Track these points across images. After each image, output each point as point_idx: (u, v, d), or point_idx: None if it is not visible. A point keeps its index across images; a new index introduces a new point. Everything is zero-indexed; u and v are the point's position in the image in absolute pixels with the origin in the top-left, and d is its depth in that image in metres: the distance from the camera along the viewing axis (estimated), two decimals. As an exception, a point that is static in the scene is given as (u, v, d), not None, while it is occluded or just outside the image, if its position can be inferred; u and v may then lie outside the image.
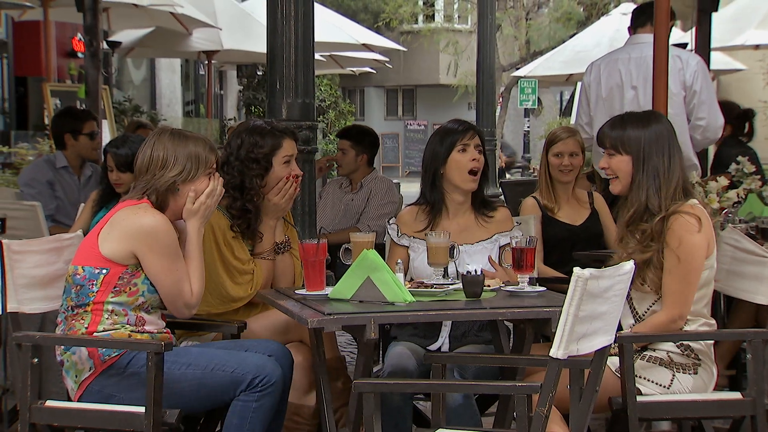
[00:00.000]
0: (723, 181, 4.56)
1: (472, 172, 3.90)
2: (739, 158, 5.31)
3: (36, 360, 3.28)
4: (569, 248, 4.87)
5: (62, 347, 3.33)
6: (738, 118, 7.03)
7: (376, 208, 6.15)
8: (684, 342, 3.49)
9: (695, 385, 3.50)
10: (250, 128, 3.84)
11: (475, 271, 3.30)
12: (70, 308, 3.33)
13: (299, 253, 3.43)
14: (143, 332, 3.33)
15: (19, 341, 3.28)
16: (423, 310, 3.19)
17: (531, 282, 3.46)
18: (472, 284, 3.29)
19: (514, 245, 3.42)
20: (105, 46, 10.35)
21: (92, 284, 3.28)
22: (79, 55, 10.17)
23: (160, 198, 3.34)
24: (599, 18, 15.91)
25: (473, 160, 3.89)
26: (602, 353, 2.97)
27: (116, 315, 3.29)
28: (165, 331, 3.43)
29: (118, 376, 3.28)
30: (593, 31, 12.80)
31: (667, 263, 3.44)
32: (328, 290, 3.35)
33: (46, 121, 9.54)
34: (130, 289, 3.29)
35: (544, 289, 3.43)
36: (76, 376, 3.31)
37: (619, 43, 6.26)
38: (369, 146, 6.33)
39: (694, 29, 7.66)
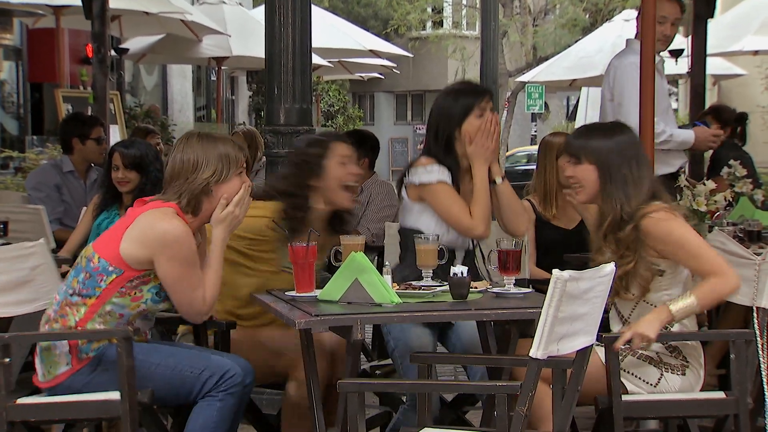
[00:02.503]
0: (710, 184, 4.55)
1: None
2: (731, 162, 5.29)
3: (8, 360, 3.26)
4: (562, 251, 4.86)
5: (47, 327, 3.31)
6: (736, 121, 7.01)
7: (375, 212, 6.15)
8: (671, 344, 3.49)
9: (682, 385, 3.49)
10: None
11: (462, 273, 3.29)
12: (72, 292, 3.30)
13: (289, 255, 3.43)
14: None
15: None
16: (409, 311, 3.20)
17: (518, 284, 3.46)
18: (459, 286, 3.29)
19: (501, 248, 3.41)
20: (113, 53, 10.38)
21: (102, 279, 3.27)
22: (92, 61, 10.22)
23: (194, 201, 3.30)
24: (604, 24, 15.89)
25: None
26: (584, 353, 2.97)
27: (110, 316, 3.28)
28: (144, 334, 3.45)
29: (90, 372, 3.28)
30: (596, 37, 12.79)
31: (678, 259, 3.40)
32: (318, 292, 3.35)
33: (60, 127, 9.58)
34: (134, 294, 3.28)
35: (530, 290, 3.43)
36: (50, 368, 3.30)
37: (620, 49, 6.24)
38: (370, 150, 6.33)
39: (690, 36, 7.64)
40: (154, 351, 3.34)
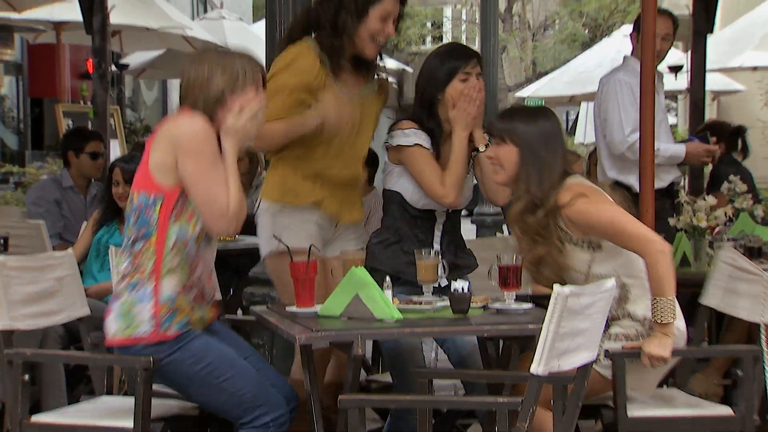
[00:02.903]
0: (711, 200, 4.55)
1: None
2: (731, 177, 5.29)
3: (27, 377, 3.27)
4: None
5: (129, 287, 3.18)
6: (731, 135, 6.97)
7: (375, 225, 6.14)
8: (632, 317, 3.45)
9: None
10: None
11: (462, 288, 3.28)
12: (132, 239, 3.21)
13: (290, 270, 3.42)
14: (194, 305, 3.24)
15: (10, 358, 3.28)
16: (410, 326, 3.19)
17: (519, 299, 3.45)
18: (459, 301, 3.28)
19: (501, 264, 3.40)
20: (114, 68, 10.42)
21: (150, 212, 3.19)
22: (92, 76, 10.28)
23: (209, 111, 3.21)
24: (603, 39, 15.93)
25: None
26: (585, 369, 2.96)
27: (177, 249, 3.19)
28: (213, 302, 3.39)
29: (170, 354, 3.18)
30: (595, 52, 12.83)
31: (605, 238, 3.41)
32: (318, 307, 3.34)
33: (60, 141, 9.61)
34: (185, 211, 3.21)
35: (531, 306, 3.42)
36: (127, 327, 3.18)
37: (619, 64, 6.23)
38: (369, 165, 6.33)
39: (689, 51, 7.65)
40: (229, 362, 3.24)
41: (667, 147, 5.43)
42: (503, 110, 3.70)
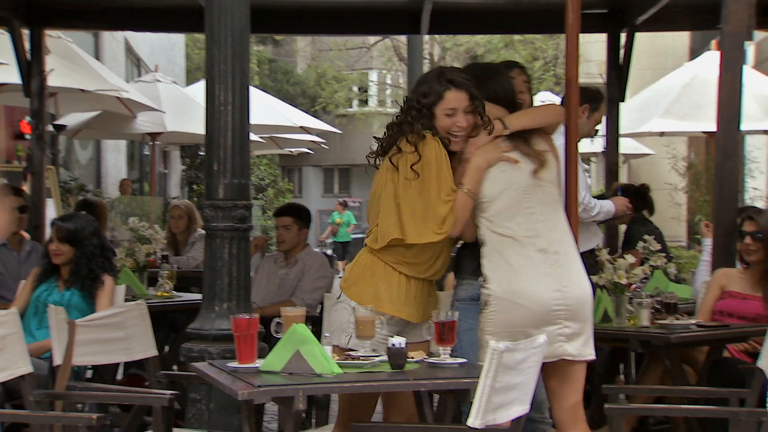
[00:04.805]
0: (630, 258, 4.65)
1: None
2: (646, 237, 5.42)
3: None
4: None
5: None
6: (635, 195, 7.08)
7: (310, 282, 6.12)
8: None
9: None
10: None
11: (399, 344, 3.29)
12: None
13: (232, 326, 3.38)
14: None
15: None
16: (349, 381, 3.17)
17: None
18: (396, 356, 3.28)
19: (437, 319, 3.42)
20: (51, 128, 10.25)
21: None
22: (27, 137, 10.08)
23: None
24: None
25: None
26: (518, 422, 2.98)
27: None
28: None
29: None
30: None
31: None
32: (260, 363, 3.31)
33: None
34: None
35: (465, 360, 3.43)
36: None
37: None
38: (307, 221, 6.34)
39: (604, 117, 7.85)
40: None
41: (602, 203, 5.56)
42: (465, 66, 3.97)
